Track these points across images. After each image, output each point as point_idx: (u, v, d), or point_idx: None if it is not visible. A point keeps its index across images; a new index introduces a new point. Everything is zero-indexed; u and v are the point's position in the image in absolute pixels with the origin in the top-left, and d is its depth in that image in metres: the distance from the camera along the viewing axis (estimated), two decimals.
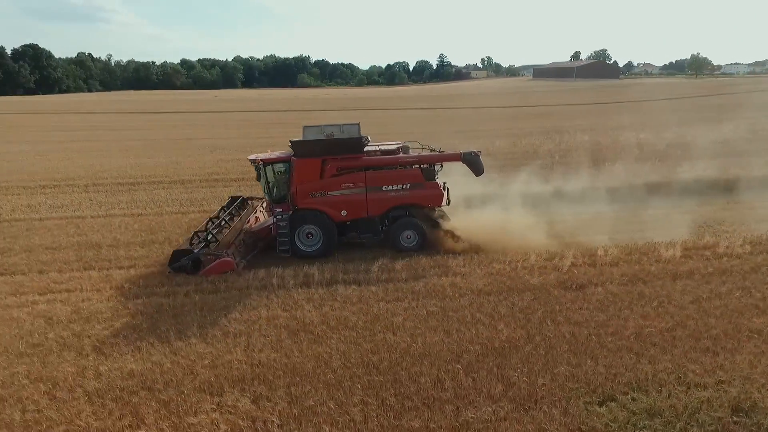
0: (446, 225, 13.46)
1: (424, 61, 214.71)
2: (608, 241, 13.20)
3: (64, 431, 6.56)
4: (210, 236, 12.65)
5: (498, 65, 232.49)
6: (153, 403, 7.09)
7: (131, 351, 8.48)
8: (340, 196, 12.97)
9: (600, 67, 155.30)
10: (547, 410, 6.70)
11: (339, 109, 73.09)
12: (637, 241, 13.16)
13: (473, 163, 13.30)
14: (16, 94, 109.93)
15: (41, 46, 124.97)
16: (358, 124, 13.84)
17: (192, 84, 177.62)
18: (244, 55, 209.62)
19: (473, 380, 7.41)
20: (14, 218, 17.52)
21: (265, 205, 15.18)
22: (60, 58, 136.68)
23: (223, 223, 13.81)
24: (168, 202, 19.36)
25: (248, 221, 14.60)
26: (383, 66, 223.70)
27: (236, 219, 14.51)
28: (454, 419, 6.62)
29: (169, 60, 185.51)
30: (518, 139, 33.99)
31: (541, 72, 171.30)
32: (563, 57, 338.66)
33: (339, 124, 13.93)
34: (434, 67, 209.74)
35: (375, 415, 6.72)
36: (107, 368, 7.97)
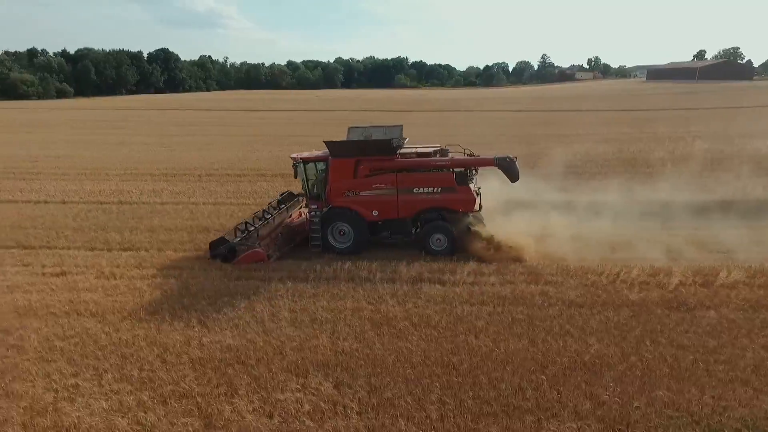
0: (481, 231, 12.89)
1: (524, 61, 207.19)
2: (726, 260, 11.81)
3: (170, 391, 7.34)
4: (251, 228, 13.33)
5: (606, 66, 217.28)
6: (245, 377, 7.68)
7: (230, 327, 9.25)
8: (372, 196, 13.10)
9: (729, 67, 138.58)
10: None
11: (432, 110, 73.07)
12: (764, 263, 11.63)
13: (508, 169, 12.84)
14: (148, 93, 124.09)
15: (171, 50, 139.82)
16: (401, 126, 14.03)
17: (296, 84, 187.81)
18: (345, 57, 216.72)
19: (558, 393, 7.06)
20: (141, 201, 19.87)
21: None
22: (185, 61, 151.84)
23: (268, 216, 14.34)
24: (269, 194, 20.71)
25: (290, 216, 15.22)
26: (481, 67, 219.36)
27: (282, 213, 15.08)
28: (535, 430, 6.37)
29: (277, 62, 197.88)
30: (625, 144, 31.57)
31: (656, 73, 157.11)
32: (684, 56, 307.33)
33: (383, 126, 14.19)
34: (535, 68, 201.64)
35: (452, 415, 6.68)
36: (209, 340, 8.77)
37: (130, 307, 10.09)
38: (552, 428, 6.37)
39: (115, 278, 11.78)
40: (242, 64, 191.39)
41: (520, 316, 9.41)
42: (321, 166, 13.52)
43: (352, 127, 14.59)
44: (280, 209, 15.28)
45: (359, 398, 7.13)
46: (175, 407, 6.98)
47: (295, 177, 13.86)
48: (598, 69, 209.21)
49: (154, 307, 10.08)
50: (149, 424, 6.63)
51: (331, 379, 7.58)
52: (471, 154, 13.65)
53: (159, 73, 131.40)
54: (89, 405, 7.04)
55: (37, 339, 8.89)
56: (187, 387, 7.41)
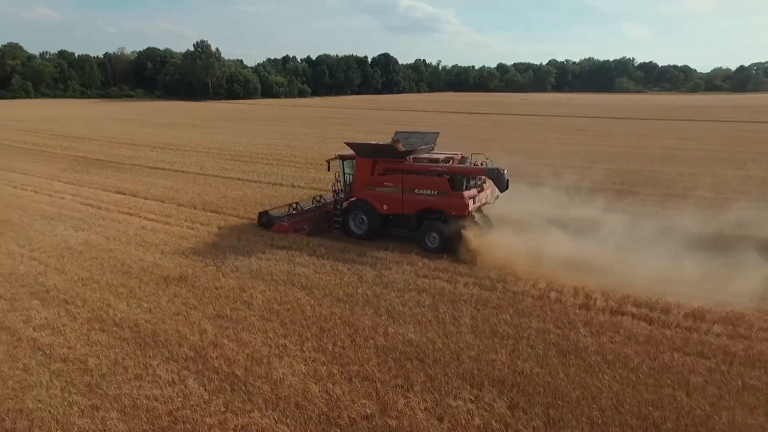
0: (470, 237, 13.24)
1: None
2: None
3: (356, 371, 8.02)
4: (297, 207, 16.67)
5: None
6: (421, 374, 7.90)
7: (413, 322, 9.63)
8: (383, 192, 14.88)
9: None
10: None
11: (653, 118, 63.86)
12: None
13: (496, 179, 13.71)
14: (368, 94, 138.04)
15: (391, 54, 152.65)
16: (437, 133, 16.63)
17: (504, 87, 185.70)
18: (561, 58, 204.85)
19: None
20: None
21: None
22: (402, 64, 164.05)
23: (318, 200, 17.39)
24: None
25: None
26: (733, 68, 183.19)
27: (331, 200, 17.04)
28: None
29: (487, 65, 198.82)
30: None
31: None
32: None
33: (422, 132, 16.73)
34: None
35: None
36: (393, 331, 9.29)
37: (331, 287, 11.36)
38: None
39: (323, 258, 13.39)
40: (453, 66, 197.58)
41: (755, 383, 7.50)
42: (353, 163, 15.63)
43: (399, 132, 16.76)
44: (333, 196, 17.13)
45: (534, 427, 6.66)
46: (357, 387, 7.60)
47: (328, 170, 16.39)
48: None
49: (351, 290, 11.15)
50: (335, 396, 7.36)
51: (506, 399, 7.26)
52: (483, 164, 14.40)
53: (379, 75, 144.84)
54: (292, 365, 8.17)
55: (261, 299, 10.71)
56: (369, 371, 7.99)
